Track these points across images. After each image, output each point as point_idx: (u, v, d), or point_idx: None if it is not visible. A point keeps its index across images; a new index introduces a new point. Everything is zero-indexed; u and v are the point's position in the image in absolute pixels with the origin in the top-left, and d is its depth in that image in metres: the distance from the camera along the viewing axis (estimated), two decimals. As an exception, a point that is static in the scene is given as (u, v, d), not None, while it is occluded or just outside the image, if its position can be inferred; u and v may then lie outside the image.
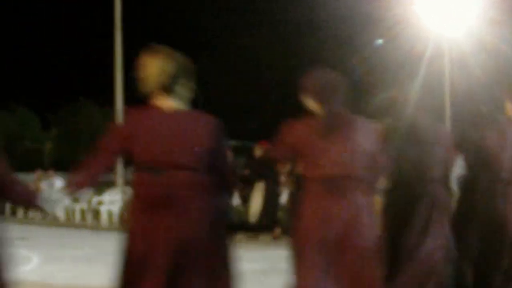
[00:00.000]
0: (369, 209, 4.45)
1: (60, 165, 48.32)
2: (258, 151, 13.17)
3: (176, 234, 4.06)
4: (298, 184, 4.88)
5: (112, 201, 18.92)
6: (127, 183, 19.45)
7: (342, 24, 42.40)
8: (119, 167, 22.20)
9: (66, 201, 19.69)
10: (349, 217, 4.35)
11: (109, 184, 21.14)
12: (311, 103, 4.59)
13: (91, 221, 18.76)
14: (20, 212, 21.07)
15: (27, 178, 25.53)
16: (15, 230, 16.59)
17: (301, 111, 4.58)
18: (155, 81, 4.29)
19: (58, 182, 22.20)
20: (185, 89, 4.39)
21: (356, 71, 41.39)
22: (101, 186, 21.76)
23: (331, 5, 40.38)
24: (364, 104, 5.56)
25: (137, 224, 4.17)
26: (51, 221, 19.62)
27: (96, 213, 19.02)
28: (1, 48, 69.31)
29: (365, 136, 4.50)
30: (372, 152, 4.51)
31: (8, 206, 21.60)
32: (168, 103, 4.31)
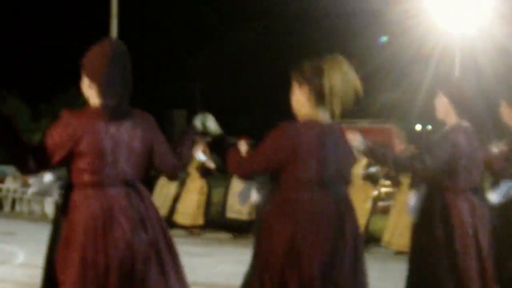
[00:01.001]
0: None
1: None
2: (242, 147, 13.14)
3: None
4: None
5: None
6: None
7: (347, 20, 42.29)
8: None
9: (55, 196, 19.69)
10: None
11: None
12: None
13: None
14: (7, 207, 21.03)
15: (16, 171, 25.56)
16: (1, 225, 16.63)
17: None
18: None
19: (47, 176, 22.15)
20: None
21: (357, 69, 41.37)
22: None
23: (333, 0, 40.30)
24: (368, 103, 5.53)
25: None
26: (39, 217, 19.60)
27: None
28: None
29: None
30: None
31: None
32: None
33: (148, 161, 4.21)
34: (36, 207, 20.20)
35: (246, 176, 4.65)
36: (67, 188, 4.07)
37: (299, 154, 4.20)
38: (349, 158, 4.50)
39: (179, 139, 4.45)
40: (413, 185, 5.90)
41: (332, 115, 4.34)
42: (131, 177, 4.09)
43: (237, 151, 4.49)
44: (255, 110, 46.54)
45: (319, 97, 4.30)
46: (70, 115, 4.08)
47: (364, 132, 5.28)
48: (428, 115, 35.76)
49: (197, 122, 4.55)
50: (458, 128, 5.21)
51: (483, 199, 5.40)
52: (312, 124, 4.30)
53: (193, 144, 4.53)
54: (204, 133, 4.55)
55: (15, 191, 21.06)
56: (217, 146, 4.57)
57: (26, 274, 9.16)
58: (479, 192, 5.33)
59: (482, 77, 30.03)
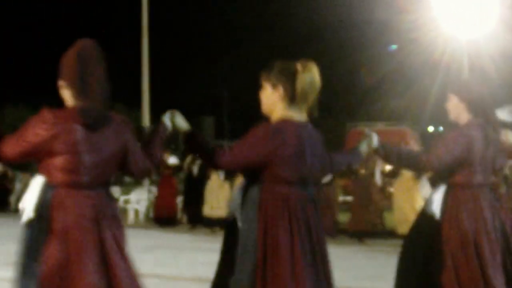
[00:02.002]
0: None
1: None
2: None
3: None
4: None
5: (139, 200, 19.09)
6: (152, 182, 19.62)
7: (357, 29, 42.28)
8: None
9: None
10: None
11: (136, 184, 21.29)
12: None
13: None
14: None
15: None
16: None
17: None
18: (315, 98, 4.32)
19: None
20: None
21: (362, 77, 41.25)
22: (128, 185, 21.88)
23: (345, 10, 40.33)
24: (379, 109, 5.54)
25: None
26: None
27: (124, 212, 19.22)
28: (28, 48, 69.81)
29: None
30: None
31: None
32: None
33: (122, 164, 4.11)
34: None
35: (227, 169, 4.59)
36: (43, 187, 3.94)
37: (283, 153, 4.13)
38: (323, 159, 4.41)
39: (150, 139, 4.31)
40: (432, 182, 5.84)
41: (306, 115, 4.32)
42: (103, 178, 4.00)
43: (208, 141, 4.33)
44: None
45: (294, 97, 4.24)
46: (48, 113, 3.91)
47: (380, 133, 5.22)
48: (439, 118, 35.70)
49: (166, 119, 4.37)
50: (472, 124, 5.15)
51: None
52: (290, 124, 4.23)
53: (164, 142, 4.38)
54: (174, 130, 4.38)
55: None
56: (188, 143, 4.36)
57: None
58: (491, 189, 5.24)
59: (488, 81, 29.98)
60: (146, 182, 21.36)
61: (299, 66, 4.25)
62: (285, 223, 4.11)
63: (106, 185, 4.07)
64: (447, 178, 5.17)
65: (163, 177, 17.40)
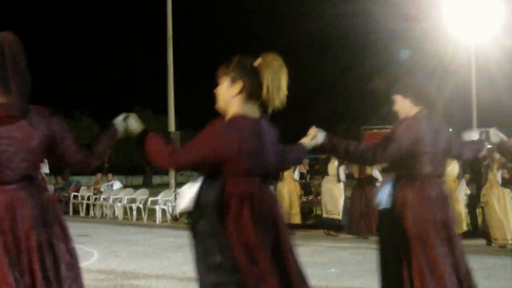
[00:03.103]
0: None
1: (119, 169, 48.73)
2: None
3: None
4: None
5: (166, 201, 19.02)
6: (179, 184, 19.53)
7: (368, 37, 42.19)
8: (172, 169, 22.32)
9: (125, 200, 20.00)
10: None
11: (163, 185, 21.26)
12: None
13: (147, 220, 18.86)
14: (82, 212, 21.31)
15: (89, 181, 25.84)
16: (78, 228, 16.79)
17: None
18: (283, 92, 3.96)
19: (116, 184, 22.44)
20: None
21: (375, 83, 41.03)
22: (156, 187, 21.79)
23: (358, 19, 40.22)
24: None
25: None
26: (111, 219, 19.79)
27: (151, 212, 19.13)
28: (69, 66, 70.46)
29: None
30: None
31: (71, 206, 21.89)
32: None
33: (50, 155, 3.83)
34: (107, 211, 20.41)
35: (178, 167, 4.29)
36: None
37: (241, 147, 3.78)
38: (279, 153, 4.11)
39: (96, 136, 4.01)
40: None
41: (264, 111, 3.97)
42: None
43: (161, 140, 4.00)
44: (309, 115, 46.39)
45: (252, 93, 3.90)
46: None
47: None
48: (448, 120, 35.40)
49: (118, 120, 4.13)
50: (419, 116, 4.96)
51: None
52: (247, 119, 3.89)
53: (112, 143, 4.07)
54: (126, 132, 4.12)
55: (88, 198, 21.39)
56: (141, 144, 4.05)
57: (101, 270, 9.24)
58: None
59: (498, 85, 29.64)
60: (173, 183, 21.27)
61: (260, 61, 3.92)
62: (249, 218, 3.77)
63: (33, 176, 3.74)
64: (396, 170, 5.01)
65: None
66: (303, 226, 15.53)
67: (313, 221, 17.09)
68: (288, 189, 15.32)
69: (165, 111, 23.01)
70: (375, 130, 21.62)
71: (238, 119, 3.86)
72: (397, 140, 4.86)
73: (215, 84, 4.02)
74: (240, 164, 3.80)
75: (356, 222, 13.75)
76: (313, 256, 10.53)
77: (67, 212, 21.98)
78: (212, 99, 4.03)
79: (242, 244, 3.75)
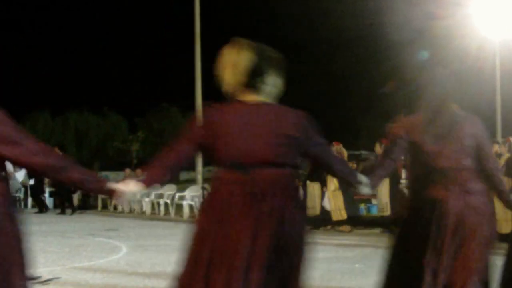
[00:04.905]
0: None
1: (146, 165, 48.90)
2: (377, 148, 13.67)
3: (258, 231, 3.53)
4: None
5: (193, 197, 19.07)
6: (206, 180, 19.57)
7: (384, 38, 41.90)
8: (199, 165, 22.39)
9: (152, 196, 20.06)
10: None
11: (190, 181, 21.30)
12: None
13: (174, 215, 18.93)
14: (111, 207, 21.43)
15: (117, 177, 25.98)
16: (107, 222, 16.87)
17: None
18: (232, 78, 3.67)
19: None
20: (271, 86, 3.71)
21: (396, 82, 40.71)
22: (183, 183, 21.84)
23: (378, 18, 39.92)
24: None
25: (208, 223, 3.89)
26: (138, 214, 19.89)
27: (179, 207, 19.19)
28: (99, 63, 70.90)
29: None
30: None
31: (100, 200, 22.01)
32: (251, 99, 3.69)
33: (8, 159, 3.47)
34: (135, 206, 20.50)
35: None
36: None
37: (221, 135, 3.61)
38: (280, 139, 3.64)
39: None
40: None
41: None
42: None
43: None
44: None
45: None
46: None
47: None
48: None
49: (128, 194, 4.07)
50: None
51: None
52: (232, 105, 3.70)
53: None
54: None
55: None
56: None
57: (129, 264, 9.27)
58: None
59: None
60: (200, 179, 21.32)
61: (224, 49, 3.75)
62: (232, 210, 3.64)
63: None
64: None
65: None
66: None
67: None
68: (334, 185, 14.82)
69: (192, 107, 23.07)
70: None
71: (217, 108, 3.73)
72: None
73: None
74: (216, 153, 3.68)
75: None
76: (337, 251, 10.50)
77: (95, 207, 22.14)
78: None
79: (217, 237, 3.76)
